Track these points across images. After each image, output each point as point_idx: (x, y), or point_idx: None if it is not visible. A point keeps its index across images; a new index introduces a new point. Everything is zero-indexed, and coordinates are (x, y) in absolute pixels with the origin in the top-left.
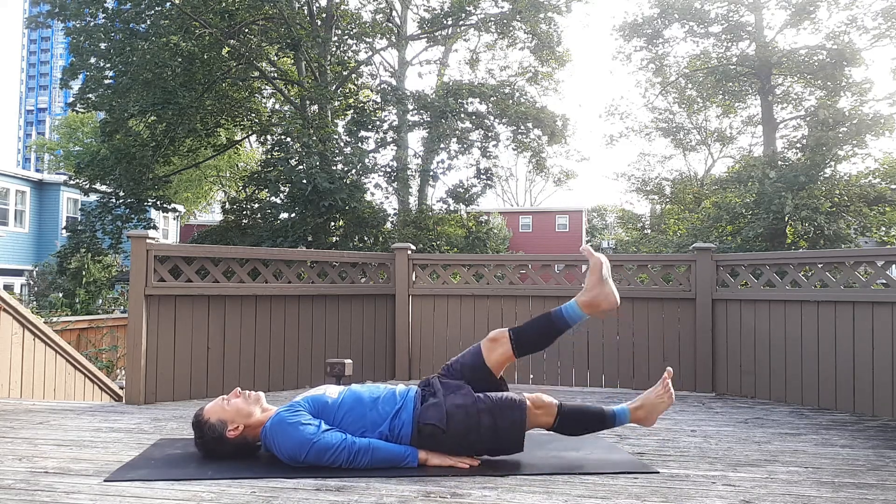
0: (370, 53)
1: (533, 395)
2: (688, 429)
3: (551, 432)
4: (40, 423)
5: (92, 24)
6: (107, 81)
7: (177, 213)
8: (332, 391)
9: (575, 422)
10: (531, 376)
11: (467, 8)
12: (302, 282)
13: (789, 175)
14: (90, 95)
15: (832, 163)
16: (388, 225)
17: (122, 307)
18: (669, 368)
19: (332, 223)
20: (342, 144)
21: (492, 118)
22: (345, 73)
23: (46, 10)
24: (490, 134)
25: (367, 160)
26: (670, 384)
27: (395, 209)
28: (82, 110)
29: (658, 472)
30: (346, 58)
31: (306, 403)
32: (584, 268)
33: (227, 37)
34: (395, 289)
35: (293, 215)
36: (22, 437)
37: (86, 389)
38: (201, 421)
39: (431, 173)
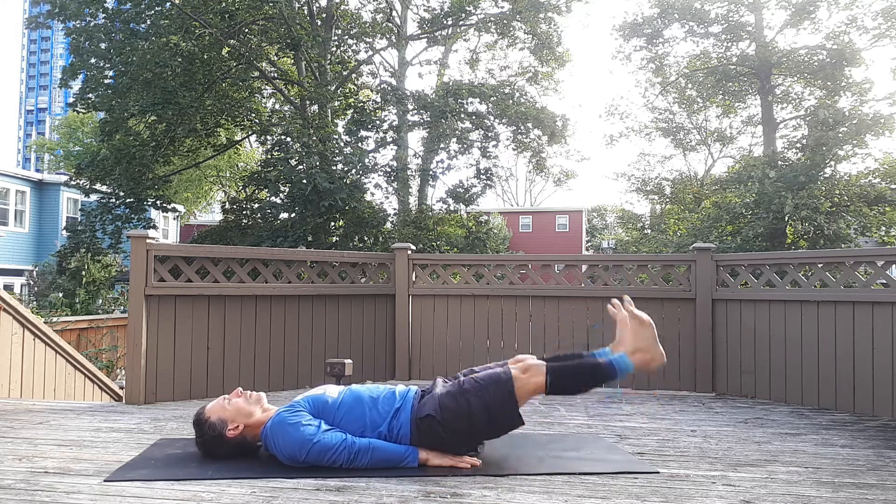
0: (370, 53)
1: (517, 363)
2: (688, 429)
3: (551, 433)
4: (40, 423)
5: (92, 24)
6: (107, 81)
7: (177, 213)
8: (332, 391)
9: (570, 377)
10: None
11: (467, 8)
12: (302, 282)
13: (789, 175)
14: (90, 95)
15: (832, 163)
16: (388, 225)
17: (122, 307)
18: (626, 296)
19: (332, 223)
20: (342, 144)
21: (492, 118)
22: (345, 72)
23: (46, 10)
24: (490, 134)
25: (367, 160)
26: (632, 307)
27: (395, 209)
28: (82, 110)
29: (658, 472)
30: (346, 57)
31: (307, 403)
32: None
33: (227, 37)
34: (395, 289)
35: (293, 215)
36: (22, 437)
37: (86, 389)
38: (202, 420)
39: (431, 173)
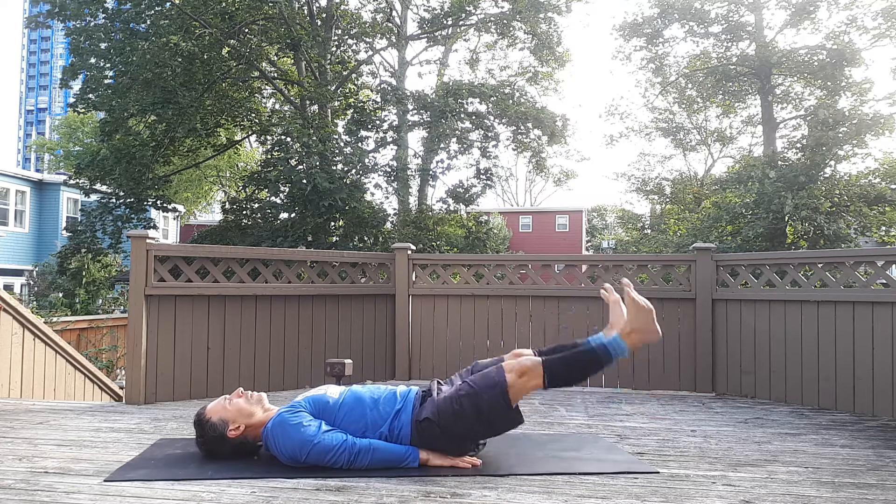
0: (370, 53)
1: (514, 363)
2: (688, 429)
3: (551, 433)
4: (40, 423)
5: (92, 24)
6: (107, 81)
7: (177, 213)
8: (332, 391)
9: (567, 371)
10: None
11: (467, 8)
12: (302, 282)
13: (789, 175)
14: (90, 95)
15: (832, 163)
16: (388, 225)
17: (122, 307)
18: (624, 279)
19: (332, 223)
20: (342, 144)
21: (492, 118)
22: (345, 73)
23: (46, 10)
24: (490, 134)
25: (366, 160)
26: (632, 292)
27: (394, 209)
28: (82, 111)
29: (658, 472)
30: (346, 57)
31: (307, 404)
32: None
33: (227, 37)
34: (395, 289)
35: (293, 215)
36: (22, 437)
37: (86, 389)
38: (203, 420)
39: (431, 173)
